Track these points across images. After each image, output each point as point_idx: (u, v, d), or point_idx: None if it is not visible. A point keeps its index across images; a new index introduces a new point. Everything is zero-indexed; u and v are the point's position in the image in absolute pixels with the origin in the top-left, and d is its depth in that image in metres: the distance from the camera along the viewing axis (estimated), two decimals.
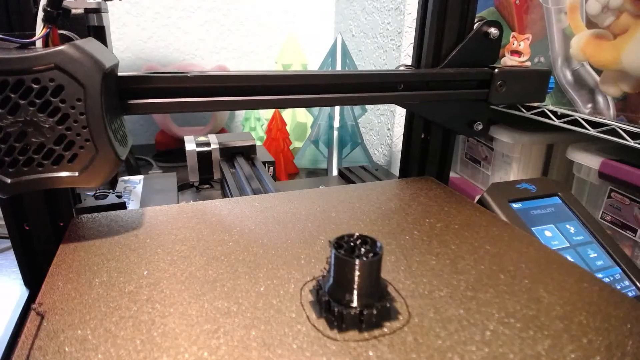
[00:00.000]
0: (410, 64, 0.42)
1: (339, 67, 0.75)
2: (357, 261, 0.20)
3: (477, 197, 0.43)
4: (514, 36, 0.58)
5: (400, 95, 0.37)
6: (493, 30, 0.39)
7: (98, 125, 0.25)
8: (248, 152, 0.59)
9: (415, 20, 0.41)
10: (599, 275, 0.38)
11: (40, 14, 0.25)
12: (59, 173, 0.25)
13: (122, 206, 0.38)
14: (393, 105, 0.80)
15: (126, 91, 0.29)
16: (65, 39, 0.27)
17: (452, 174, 0.58)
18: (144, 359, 0.19)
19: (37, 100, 0.24)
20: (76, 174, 0.26)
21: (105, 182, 0.27)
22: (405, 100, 0.38)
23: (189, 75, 0.30)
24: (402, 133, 0.45)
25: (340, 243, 0.21)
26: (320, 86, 0.35)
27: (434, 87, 0.38)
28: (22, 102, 0.24)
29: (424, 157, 0.44)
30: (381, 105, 0.84)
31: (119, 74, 0.29)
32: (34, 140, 0.24)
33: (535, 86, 0.41)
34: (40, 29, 0.25)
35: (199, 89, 0.31)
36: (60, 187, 0.26)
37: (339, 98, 0.36)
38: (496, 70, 0.39)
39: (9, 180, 0.25)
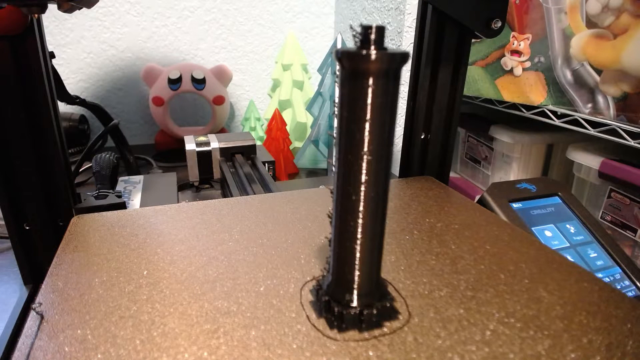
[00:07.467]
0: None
1: (338, 67, 0.75)
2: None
3: (477, 197, 0.43)
4: (514, 36, 0.58)
5: None
6: None
7: None
8: (248, 152, 0.59)
9: (415, 21, 0.40)
10: (599, 275, 0.38)
11: None
12: None
13: (122, 206, 0.38)
14: None
15: None
16: None
17: (452, 174, 0.58)
18: (144, 359, 0.19)
19: None
20: None
21: None
22: None
23: None
24: (402, 133, 0.45)
25: None
26: None
27: None
28: None
29: (424, 157, 0.44)
30: None
31: None
32: None
33: None
34: None
35: None
36: None
37: None
38: None
39: None
